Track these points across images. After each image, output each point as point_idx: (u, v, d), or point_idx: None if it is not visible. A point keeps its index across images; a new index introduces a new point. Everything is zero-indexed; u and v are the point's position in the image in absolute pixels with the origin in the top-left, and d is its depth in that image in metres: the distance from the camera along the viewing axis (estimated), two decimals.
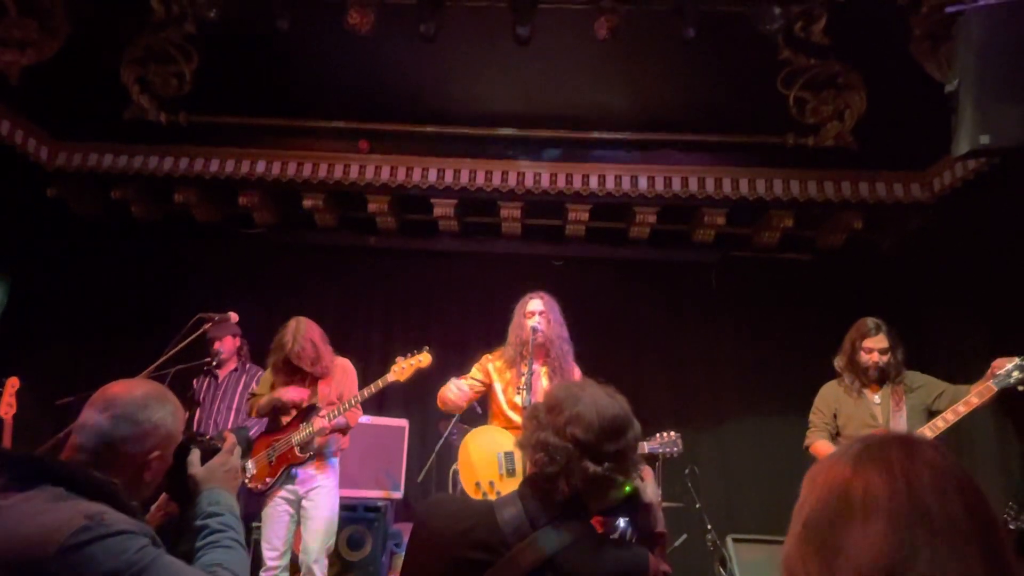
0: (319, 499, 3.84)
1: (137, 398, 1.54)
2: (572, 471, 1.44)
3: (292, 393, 3.91)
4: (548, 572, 1.37)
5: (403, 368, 3.91)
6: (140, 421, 1.51)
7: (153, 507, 1.76)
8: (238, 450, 1.74)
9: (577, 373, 3.71)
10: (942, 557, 0.72)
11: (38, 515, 1.29)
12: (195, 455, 1.65)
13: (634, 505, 1.60)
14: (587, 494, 1.46)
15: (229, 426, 4.58)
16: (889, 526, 0.74)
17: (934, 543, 0.72)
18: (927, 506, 0.74)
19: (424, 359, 3.94)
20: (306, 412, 3.91)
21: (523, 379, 3.34)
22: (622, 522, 1.69)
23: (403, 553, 4.74)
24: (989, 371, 3.31)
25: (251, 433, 4.30)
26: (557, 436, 1.46)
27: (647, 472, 1.62)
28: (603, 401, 1.52)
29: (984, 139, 2.79)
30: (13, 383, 4.10)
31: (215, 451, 1.69)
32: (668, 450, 3.76)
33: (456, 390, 3.66)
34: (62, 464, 1.43)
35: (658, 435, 3.82)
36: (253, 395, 4.11)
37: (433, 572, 1.44)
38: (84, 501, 1.35)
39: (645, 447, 3.73)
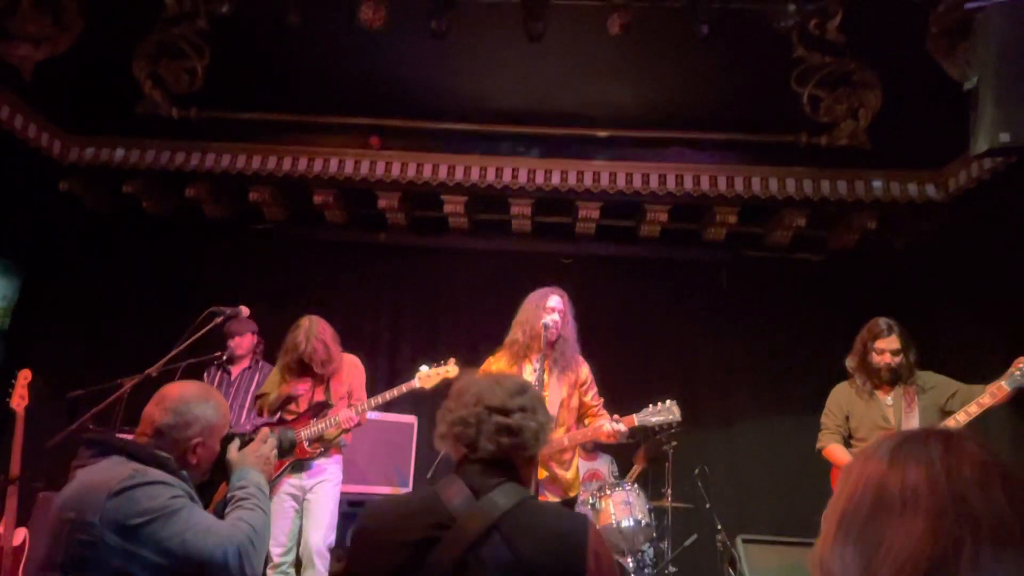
0: (323, 492, 3.85)
1: (182, 395, 1.93)
2: (486, 426, 1.58)
3: (300, 387, 3.95)
4: (495, 534, 1.44)
5: (429, 376, 3.91)
6: (183, 413, 1.89)
7: (215, 494, 2.17)
8: (271, 441, 2.10)
9: (584, 372, 3.64)
10: (986, 557, 0.69)
11: (104, 472, 1.75)
12: (234, 444, 2.04)
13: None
14: (510, 448, 1.57)
15: (241, 422, 4.58)
16: (930, 522, 0.71)
17: (978, 541, 0.69)
18: (969, 502, 0.71)
19: (451, 370, 3.92)
20: (316, 408, 3.92)
21: (534, 376, 3.30)
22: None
23: None
24: (1008, 371, 3.27)
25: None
26: (466, 409, 1.61)
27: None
28: (498, 377, 1.73)
29: (1004, 137, 2.76)
30: (25, 375, 4.13)
31: (251, 442, 2.08)
32: (664, 418, 3.40)
33: None
34: (126, 441, 1.89)
35: (650, 405, 3.46)
36: (261, 395, 4.12)
37: (382, 561, 1.48)
38: (137, 463, 1.78)
39: (635, 419, 3.42)
